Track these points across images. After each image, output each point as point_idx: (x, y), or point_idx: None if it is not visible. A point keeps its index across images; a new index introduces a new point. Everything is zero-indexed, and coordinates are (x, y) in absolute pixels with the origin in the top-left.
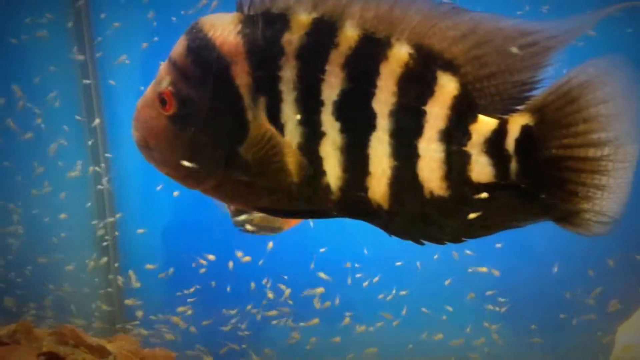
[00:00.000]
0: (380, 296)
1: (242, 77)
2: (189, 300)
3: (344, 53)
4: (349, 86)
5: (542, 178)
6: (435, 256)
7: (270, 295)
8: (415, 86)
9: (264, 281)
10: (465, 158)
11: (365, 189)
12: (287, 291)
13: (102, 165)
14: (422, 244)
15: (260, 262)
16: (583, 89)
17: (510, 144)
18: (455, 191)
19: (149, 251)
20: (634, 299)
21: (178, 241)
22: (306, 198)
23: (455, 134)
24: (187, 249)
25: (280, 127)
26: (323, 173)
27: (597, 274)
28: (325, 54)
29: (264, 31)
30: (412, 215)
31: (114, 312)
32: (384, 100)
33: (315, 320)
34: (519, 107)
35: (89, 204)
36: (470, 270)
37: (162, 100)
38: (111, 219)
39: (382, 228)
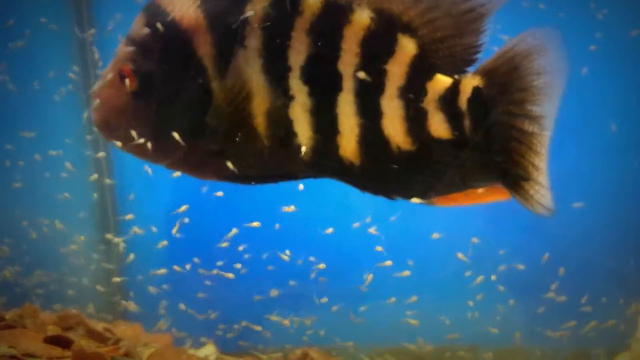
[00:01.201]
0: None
1: (205, 48)
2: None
3: (308, 19)
4: (315, 50)
5: (492, 140)
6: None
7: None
8: (377, 47)
9: (269, 267)
10: (423, 114)
11: (336, 147)
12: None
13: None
14: (393, 198)
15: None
16: (523, 58)
17: (463, 102)
18: (419, 146)
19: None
20: None
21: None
22: (278, 161)
23: (414, 91)
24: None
25: (249, 94)
26: (294, 135)
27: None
28: (290, 22)
29: (226, 3)
30: (382, 169)
31: (113, 297)
32: (348, 62)
33: None
34: (470, 69)
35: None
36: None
37: (122, 77)
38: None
39: (353, 185)
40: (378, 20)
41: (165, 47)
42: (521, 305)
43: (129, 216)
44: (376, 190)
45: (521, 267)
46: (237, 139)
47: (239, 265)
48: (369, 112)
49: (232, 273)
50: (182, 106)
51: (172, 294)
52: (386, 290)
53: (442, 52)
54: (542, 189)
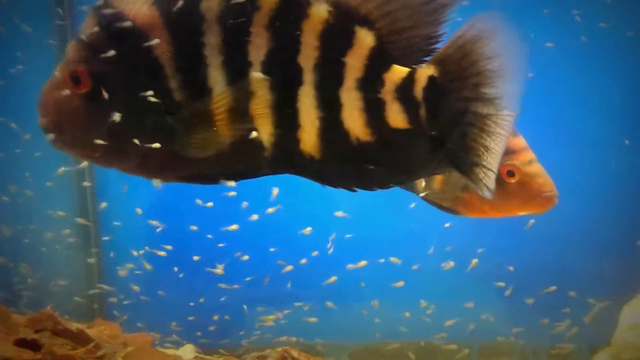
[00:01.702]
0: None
1: (161, 46)
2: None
3: (267, 14)
4: (275, 45)
5: (447, 128)
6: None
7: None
8: (336, 40)
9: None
10: (381, 105)
11: (297, 142)
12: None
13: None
14: (355, 190)
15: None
16: (474, 43)
17: (418, 92)
18: (378, 136)
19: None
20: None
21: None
22: (240, 158)
23: (371, 83)
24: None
25: (208, 91)
26: (255, 131)
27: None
28: (248, 17)
29: (181, 0)
30: (343, 162)
31: (92, 296)
32: (308, 56)
33: None
34: (427, 59)
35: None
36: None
37: (75, 79)
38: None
39: (314, 179)
40: (336, 14)
41: (120, 47)
42: (502, 302)
43: (103, 204)
44: (336, 183)
45: (502, 265)
46: (198, 138)
47: (219, 270)
48: (329, 105)
49: (210, 275)
50: (139, 107)
51: (152, 294)
52: (364, 289)
53: (401, 43)
54: (489, 171)
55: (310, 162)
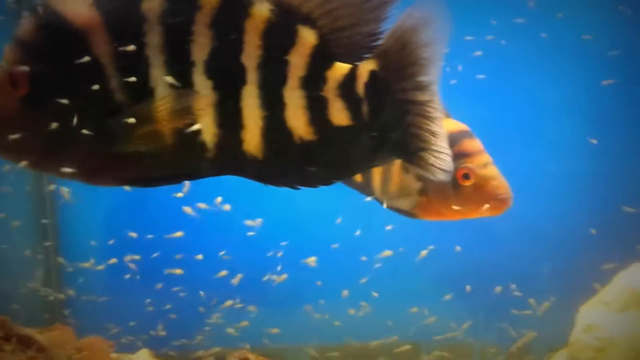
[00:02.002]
0: None
1: (102, 47)
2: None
3: (209, 14)
4: (217, 44)
5: (390, 120)
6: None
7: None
8: (278, 39)
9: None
10: (324, 102)
11: (240, 142)
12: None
13: None
14: (297, 188)
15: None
16: (410, 33)
17: (360, 88)
18: (321, 135)
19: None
20: (597, 279)
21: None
22: (183, 160)
23: (313, 81)
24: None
25: (150, 92)
26: (198, 132)
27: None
28: (190, 17)
29: (121, 1)
30: (285, 161)
31: (51, 301)
32: (251, 55)
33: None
34: (368, 55)
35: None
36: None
37: (12, 81)
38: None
39: (256, 179)
40: (277, 12)
41: (59, 48)
42: (463, 302)
43: (66, 197)
44: (279, 182)
45: (460, 265)
46: (141, 140)
47: (178, 271)
48: (272, 104)
49: (167, 278)
50: (79, 110)
51: (110, 298)
52: (331, 289)
53: (342, 41)
54: (441, 153)
55: (253, 162)
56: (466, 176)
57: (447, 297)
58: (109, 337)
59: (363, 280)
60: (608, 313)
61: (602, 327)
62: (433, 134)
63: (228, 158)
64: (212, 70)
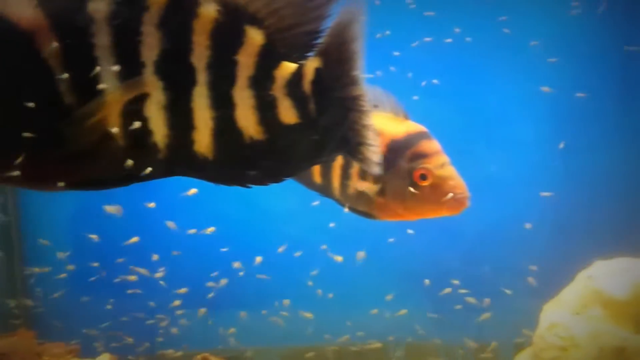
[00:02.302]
0: None
1: (49, 49)
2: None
3: (156, 14)
4: (167, 45)
5: (335, 116)
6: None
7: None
8: (226, 39)
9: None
10: (273, 101)
11: (191, 143)
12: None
13: None
14: (249, 187)
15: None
16: (344, 29)
17: (306, 85)
18: (270, 133)
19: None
20: (560, 278)
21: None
22: (134, 162)
23: (262, 80)
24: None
25: (100, 94)
26: (150, 133)
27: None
28: (138, 17)
29: (67, 2)
30: (236, 161)
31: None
32: (200, 55)
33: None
34: (312, 53)
35: None
36: None
37: None
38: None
39: (207, 180)
40: (224, 13)
41: (4, 50)
42: (427, 301)
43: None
44: (230, 182)
45: (427, 264)
46: (91, 142)
47: (134, 277)
48: (223, 104)
49: (128, 284)
50: (26, 112)
51: (71, 302)
52: (289, 292)
53: (288, 40)
54: (374, 147)
55: (204, 163)
56: (423, 177)
57: (415, 296)
58: (71, 342)
59: (309, 283)
60: (570, 312)
61: (564, 326)
62: (366, 127)
63: (179, 159)
64: (162, 71)
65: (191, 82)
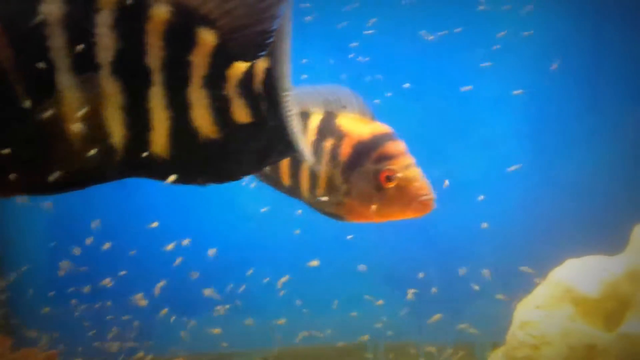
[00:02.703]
0: None
1: (3, 52)
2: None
3: (110, 16)
4: (122, 46)
5: (286, 114)
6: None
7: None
8: (179, 40)
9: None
10: (226, 101)
11: (148, 144)
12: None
13: None
14: (204, 185)
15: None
16: (285, 28)
17: (258, 85)
18: (225, 133)
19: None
20: (534, 276)
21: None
22: (90, 164)
23: (215, 80)
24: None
25: (58, 96)
26: (108, 135)
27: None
28: (91, 19)
29: (19, 4)
30: (192, 161)
31: None
32: (155, 56)
33: None
34: (263, 53)
35: None
36: None
37: None
38: None
39: (162, 180)
40: (176, 14)
41: None
42: (405, 302)
43: None
44: (186, 181)
45: (406, 266)
46: (48, 146)
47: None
48: (178, 104)
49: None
50: None
51: (49, 310)
52: (268, 293)
53: (240, 40)
54: (303, 138)
55: (160, 164)
56: (389, 178)
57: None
58: (48, 348)
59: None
60: (542, 310)
61: (536, 324)
62: (291, 122)
63: (135, 160)
64: (118, 72)
65: (147, 83)
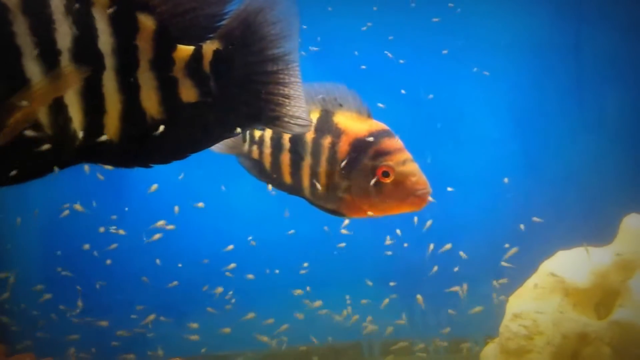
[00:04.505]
0: None
1: None
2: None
3: (61, 2)
4: (76, 32)
5: (240, 92)
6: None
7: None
8: (123, 25)
9: None
10: (174, 83)
11: (102, 128)
12: None
13: None
14: (150, 166)
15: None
16: (255, 14)
17: (206, 66)
18: (171, 114)
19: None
20: (526, 269)
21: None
22: (50, 151)
23: (162, 63)
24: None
25: (26, 82)
26: (70, 120)
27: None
28: (47, 6)
29: None
30: (139, 143)
31: None
32: (105, 41)
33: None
34: (212, 35)
35: None
36: None
37: None
38: None
39: (110, 164)
40: (115, 0)
41: None
42: (395, 298)
43: None
44: (131, 164)
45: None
46: (16, 135)
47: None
48: (128, 87)
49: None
50: None
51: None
52: (249, 293)
53: (184, 24)
54: (297, 111)
55: (111, 147)
56: (386, 173)
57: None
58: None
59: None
60: (534, 301)
61: (528, 315)
62: (286, 96)
63: (93, 145)
64: (76, 58)
65: (101, 68)
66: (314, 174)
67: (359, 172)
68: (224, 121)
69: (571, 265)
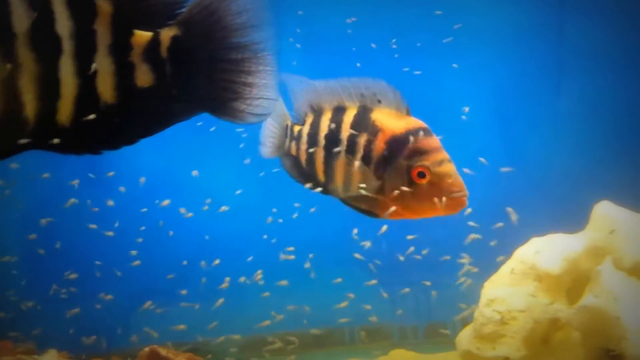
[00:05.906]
0: None
1: None
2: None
3: None
4: (32, 16)
5: (195, 79)
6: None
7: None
8: (81, 9)
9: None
10: (130, 67)
11: (56, 113)
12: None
13: None
14: (100, 153)
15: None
16: (219, 4)
17: (164, 52)
18: (124, 98)
19: None
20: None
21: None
22: (5, 136)
23: (119, 48)
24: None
25: None
26: (23, 105)
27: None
28: None
29: None
30: (89, 128)
31: None
32: (63, 26)
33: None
34: (171, 22)
35: None
36: None
37: None
38: None
39: (62, 151)
40: None
41: None
42: (375, 285)
43: None
44: (82, 150)
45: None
46: None
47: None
48: (85, 72)
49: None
50: None
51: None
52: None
53: (142, 10)
54: (257, 101)
55: (63, 132)
56: (421, 174)
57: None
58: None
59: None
60: (507, 287)
61: (502, 301)
62: (249, 85)
63: (45, 129)
64: (32, 43)
65: (58, 52)
66: (348, 173)
67: (393, 172)
68: (179, 107)
69: (544, 251)
